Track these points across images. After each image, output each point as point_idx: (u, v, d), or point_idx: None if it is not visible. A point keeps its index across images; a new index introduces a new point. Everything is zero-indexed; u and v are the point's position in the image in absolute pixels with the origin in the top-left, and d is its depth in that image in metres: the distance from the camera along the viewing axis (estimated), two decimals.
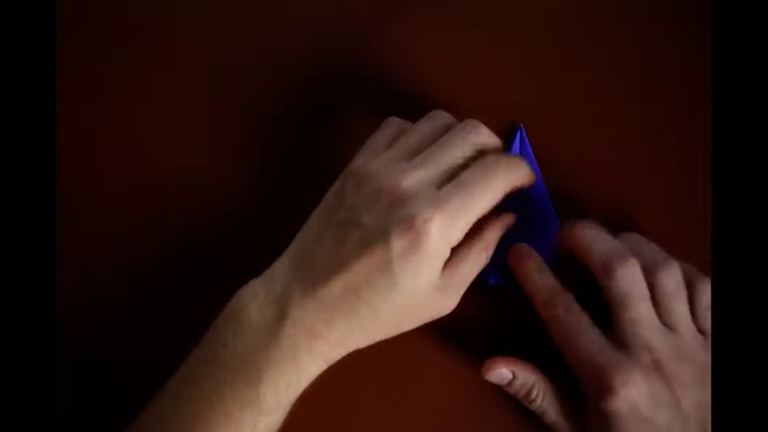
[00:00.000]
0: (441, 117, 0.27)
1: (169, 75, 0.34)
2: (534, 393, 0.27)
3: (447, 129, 0.26)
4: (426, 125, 0.26)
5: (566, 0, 0.35)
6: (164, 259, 0.31)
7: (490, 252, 0.26)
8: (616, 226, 0.28)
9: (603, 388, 0.24)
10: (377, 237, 0.23)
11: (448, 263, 0.24)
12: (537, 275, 0.27)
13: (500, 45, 0.34)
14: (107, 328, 0.30)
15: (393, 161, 0.25)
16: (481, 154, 0.26)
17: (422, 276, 0.23)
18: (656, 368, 0.24)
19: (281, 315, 0.23)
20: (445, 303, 0.25)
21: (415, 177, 0.24)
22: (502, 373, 0.27)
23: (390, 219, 0.23)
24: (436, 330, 0.29)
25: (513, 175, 0.25)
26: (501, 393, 0.28)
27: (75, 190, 0.31)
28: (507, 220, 0.27)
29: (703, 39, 0.32)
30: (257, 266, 0.26)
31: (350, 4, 0.35)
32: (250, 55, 0.34)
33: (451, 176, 0.24)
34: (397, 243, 0.22)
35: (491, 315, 0.30)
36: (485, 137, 0.26)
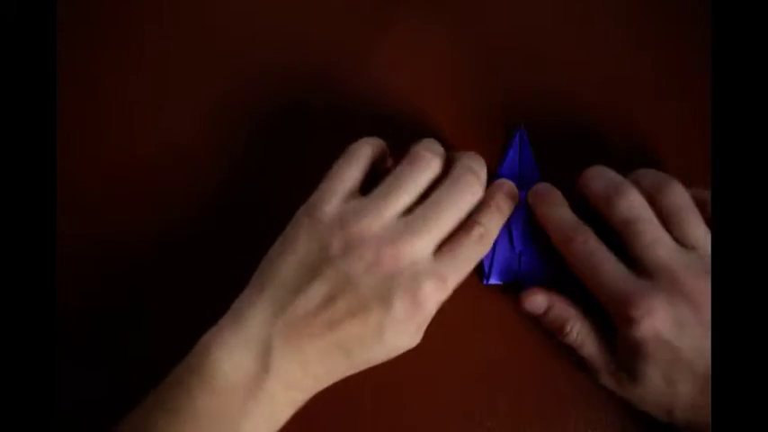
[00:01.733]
0: (435, 160, 0.26)
1: (169, 77, 0.34)
2: (569, 327, 0.27)
3: (435, 173, 0.26)
4: (422, 171, 0.25)
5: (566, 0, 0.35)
6: (164, 260, 0.31)
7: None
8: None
9: (627, 318, 0.24)
10: (376, 300, 0.23)
11: None
12: (556, 210, 0.27)
13: (499, 45, 0.34)
14: (107, 329, 0.30)
15: (386, 223, 0.24)
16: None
17: (407, 335, 0.24)
18: (678, 289, 0.24)
19: (262, 369, 0.23)
20: (413, 342, 0.25)
21: (415, 247, 0.24)
22: (538, 300, 0.27)
23: (392, 285, 0.23)
24: (436, 330, 0.29)
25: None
26: (500, 394, 0.29)
27: (75, 190, 0.31)
28: None
29: (704, 37, 0.32)
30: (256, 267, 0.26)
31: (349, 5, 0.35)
32: (248, 59, 0.34)
33: (446, 251, 0.25)
34: (398, 309, 0.23)
35: (491, 315, 0.30)
36: (478, 192, 0.26)
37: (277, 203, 0.31)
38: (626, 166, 0.32)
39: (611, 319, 0.25)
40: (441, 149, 0.27)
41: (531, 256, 0.29)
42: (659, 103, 0.33)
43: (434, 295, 0.24)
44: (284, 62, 0.34)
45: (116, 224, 0.31)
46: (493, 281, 0.29)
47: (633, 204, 0.25)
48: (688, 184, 0.27)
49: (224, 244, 0.31)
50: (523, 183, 0.30)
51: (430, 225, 0.24)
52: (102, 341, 0.29)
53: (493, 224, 0.26)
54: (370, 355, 0.24)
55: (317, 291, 0.23)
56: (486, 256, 0.29)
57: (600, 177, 0.27)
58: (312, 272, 0.24)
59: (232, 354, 0.23)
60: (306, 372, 0.24)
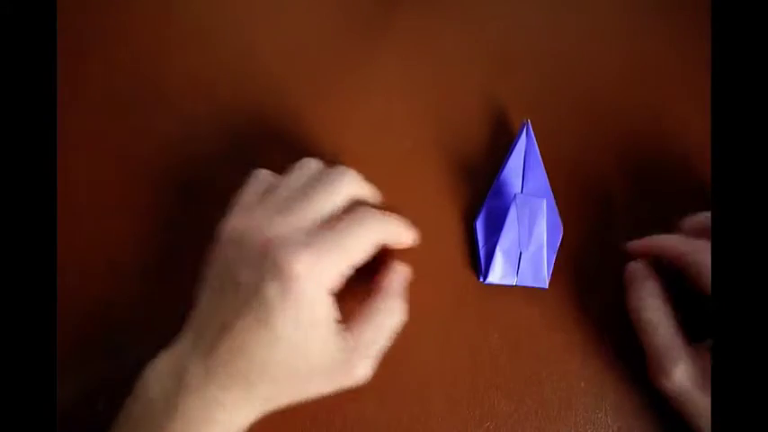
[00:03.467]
0: (309, 166, 0.27)
1: (166, 79, 0.34)
2: (649, 302, 0.27)
3: (316, 178, 0.26)
4: (294, 177, 0.26)
5: None
6: (162, 260, 0.31)
7: (397, 305, 0.26)
8: (619, 221, 0.29)
9: None
10: (252, 291, 0.22)
11: (350, 323, 0.25)
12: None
13: (503, 40, 0.34)
14: (106, 329, 0.30)
15: (264, 217, 0.24)
16: (357, 205, 0.26)
17: (303, 325, 0.23)
18: None
19: (177, 385, 0.23)
20: (352, 368, 0.24)
21: (284, 226, 0.24)
22: (638, 267, 0.28)
23: (262, 269, 0.23)
24: (435, 330, 0.29)
25: (386, 229, 0.25)
26: (500, 393, 0.28)
27: (74, 191, 0.31)
28: (403, 271, 0.28)
29: (705, 31, 0.32)
30: None
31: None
32: (249, 67, 0.34)
33: (325, 227, 0.24)
34: (270, 290, 0.22)
35: (490, 314, 0.30)
36: (354, 186, 0.26)
37: None
38: (629, 161, 0.32)
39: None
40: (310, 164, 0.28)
41: (531, 259, 0.29)
42: (663, 99, 0.33)
43: (299, 262, 0.22)
44: (284, 62, 0.34)
45: (116, 224, 0.31)
46: (490, 280, 0.29)
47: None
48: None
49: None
50: (529, 175, 0.30)
51: (302, 209, 0.24)
52: (101, 342, 0.29)
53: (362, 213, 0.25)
54: (272, 354, 0.23)
55: (216, 300, 0.24)
56: (484, 255, 0.29)
57: (671, 237, 0.28)
58: (212, 284, 0.25)
59: (157, 372, 0.24)
60: (223, 389, 0.23)
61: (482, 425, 0.28)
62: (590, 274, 0.30)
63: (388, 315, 0.26)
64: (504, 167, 0.31)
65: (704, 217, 0.28)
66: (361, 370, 0.24)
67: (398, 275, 0.27)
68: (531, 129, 0.31)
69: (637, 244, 0.29)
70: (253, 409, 0.24)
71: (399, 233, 0.27)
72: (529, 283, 0.29)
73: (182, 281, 0.30)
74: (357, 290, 0.26)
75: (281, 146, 0.33)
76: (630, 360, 0.29)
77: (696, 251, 0.26)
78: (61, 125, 0.31)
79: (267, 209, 0.25)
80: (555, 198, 0.31)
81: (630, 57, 0.34)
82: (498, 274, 0.29)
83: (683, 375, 0.25)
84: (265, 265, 0.23)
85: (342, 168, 0.26)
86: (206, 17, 0.36)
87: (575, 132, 0.33)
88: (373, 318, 0.25)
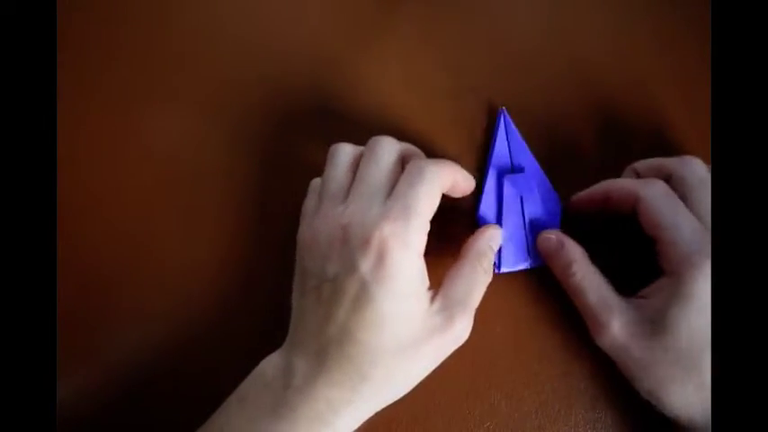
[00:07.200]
0: (344, 151, 0.27)
1: (167, 78, 0.34)
2: (575, 267, 0.27)
3: (356, 158, 0.27)
4: (334, 166, 0.27)
5: None
6: (163, 259, 0.31)
7: (485, 263, 0.26)
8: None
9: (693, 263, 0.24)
10: (344, 277, 0.23)
11: (440, 286, 0.25)
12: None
13: (503, 38, 0.34)
14: (107, 329, 0.30)
15: (328, 213, 0.25)
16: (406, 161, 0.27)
17: (402, 294, 0.23)
18: None
19: (284, 386, 0.23)
20: (453, 330, 0.24)
21: (351, 211, 0.24)
22: (552, 240, 0.28)
23: (348, 253, 0.23)
24: None
25: (445, 175, 0.25)
26: (500, 394, 0.28)
27: (74, 189, 0.31)
28: (493, 232, 0.28)
29: (702, 17, 0.33)
30: (258, 278, 0.26)
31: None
32: (249, 69, 0.34)
33: (389, 196, 0.25)
34: (364, 265, 0.23)
35: (491, 314, 0.30)
36: (395, 146, 0.27)
37: (274, 201, 0.31)
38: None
39: (666, 264, 0.25)
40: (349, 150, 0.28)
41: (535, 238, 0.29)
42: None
43: (384, 229, 0.23)
44: (284, 63, 0.34)
45: (115, 224, 0.31)
46: (504, 269, 0.29)
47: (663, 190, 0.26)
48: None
49: (217, 242, 0.31)
50: (516, 163, 0.30)
51: (358, 191, 0.25)
52: (102, 341, 0.29)
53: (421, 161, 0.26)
54: (378, 333, 0.22)
55: (310, 300, 0.24)
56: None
57: (617, 180, 0.28)
58: (303, 290, 0.25)
59: (264, 375, 0.24)
60: (328, 384, 0.23)
61: (482, 425, 0.28)
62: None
63: (481, 272, 0.26)
64: (490, 157, 0.30)
65: (656, 160, 0.28)
66: (461, 326, 0.24)
67: (488, 235, 0.27)
68: (507, 114, 0.31)
69: (582, 194, 0.29)
70: (358, 409, 0.23)
71: (457, 178, 0.26)
72: (542, 263, 0.29)
73: (180, 279, 0.30)
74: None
75: (276, 148, 0.33)
76: None
77: (645, 185, 0.26)
78: (61, 125, 0.31)
79: (326, 206, 0.26)
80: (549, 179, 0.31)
81: (630, 51, 0.35)
82: (510, 261, 0.29)
83: (622, 326, 0.25)
84: (350, 248, 0.23)
85: (375, 138, 0.27)
86: (207, 11, 0.36)
87: (574, 128, 0.33)
88: (464, 275, 0.25)
